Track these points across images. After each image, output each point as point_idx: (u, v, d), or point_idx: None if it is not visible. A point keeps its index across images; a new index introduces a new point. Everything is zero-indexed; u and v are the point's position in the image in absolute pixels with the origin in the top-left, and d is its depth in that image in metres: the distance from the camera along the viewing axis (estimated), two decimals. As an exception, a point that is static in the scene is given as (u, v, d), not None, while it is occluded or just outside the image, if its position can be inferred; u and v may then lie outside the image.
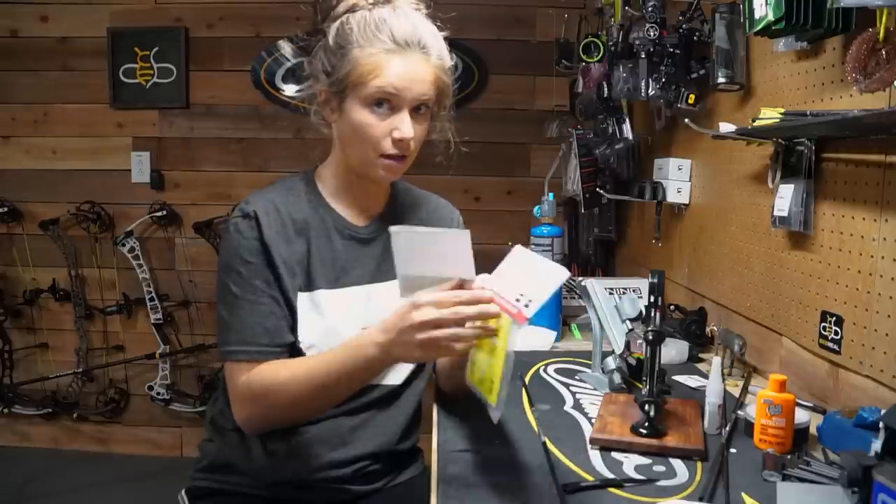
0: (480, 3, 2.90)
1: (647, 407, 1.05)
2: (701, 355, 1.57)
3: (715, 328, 1.58)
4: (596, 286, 1.38)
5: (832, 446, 1.03)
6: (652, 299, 1.15)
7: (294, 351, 1.12)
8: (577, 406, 1.24)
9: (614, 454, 1.03)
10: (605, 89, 1.99)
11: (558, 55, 2.53)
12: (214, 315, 1.14)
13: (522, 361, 1.49)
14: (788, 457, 0.97)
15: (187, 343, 3.04)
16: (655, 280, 1.17)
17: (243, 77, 2.95)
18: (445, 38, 1.12)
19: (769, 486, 0.91)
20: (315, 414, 1.12)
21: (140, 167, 3.00)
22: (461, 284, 0.93)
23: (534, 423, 1.15)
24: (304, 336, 1.11)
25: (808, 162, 1.23)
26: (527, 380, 1.39)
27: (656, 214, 1.94)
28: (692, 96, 1.63)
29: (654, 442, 1.03)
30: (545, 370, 1.46)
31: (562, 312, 1.79)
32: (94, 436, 3.10)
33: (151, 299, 2.94)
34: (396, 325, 0.95)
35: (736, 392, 1.26)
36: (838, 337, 1.16)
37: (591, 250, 2.58)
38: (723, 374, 1.13)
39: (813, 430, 1.08)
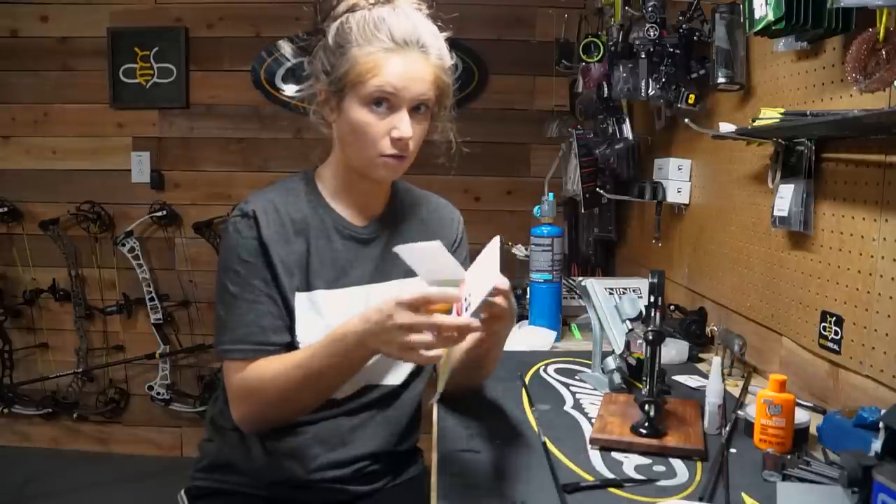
0: (480, 3, 2.90)
1: (647, 407, 1.05)
2: (701, 355, 1.57)
3: (715, 328, 1.57)
4: (596, 286, 1.38)
5: (832, 446, 1.03)
6: (652, 299, 1.15)
7: (292, 350, 1.11)
8: (577, 406, 1.24)
9: (614, 454, 1.03)
10: (605, 89, 1.99)
11: (558, 55, 2.53)
12: (214, 315, 1.14)
13: (522, 361, 1.49)
14: (788, 457, 0.97)
15: (187, 343, 3.04)
16: (655, 280, 1.17)
17: (243, 77, 2.95)
18: (446, 39, 1.12)
19: (769, 486, 0.91)
20: (308, 408, 1.11)
21: (140, 167, 3.00)
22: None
23: (534, 423, 1.15)
24: (303, 336, 1.11)
25: (808, 162, 1.23)
26: (527, 380, 1.39)
27: (656, 214, 1.94)
28: (692, 96, 1.63)
29: (654, 442, 1.03)
30: (545, 370, 1.46)
31: (562, 312, 1.79)
32: (94, 436, 3.10)
33: (151, 299, 2.94)
34: (373, 319, 0.96)
35: (736, 392, 1.26)
36: (838, 337, 1.16)
37: (591, 250, 2.58)
38: (723, 374, 1.13)
39: (813, 430, 1.08)
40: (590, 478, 0.95)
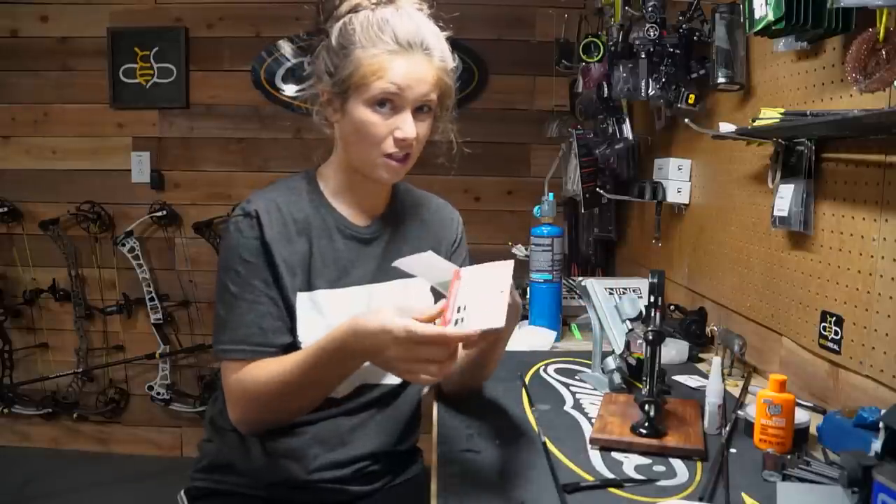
0: (481, 3, 2.90)
1: (647, 407, 1.05)
2: (701, 355, 1.57)
3: (715, 328, 1.58)
4: (596, 286, 1.38)
5: (832, 446, 1.03)
6: (652, 299, 1.15)
7: (292, 351, 1.11)
8: (577, 406, 1.24)
9: (614, 454, 1.03)
10: (605, 89, 1.99)
11: (558, 55, 2.53)
12: (213, 314, 1.14)
13: (523, 361, 1.49)
14: (788, 457, 0.97)
15: (187, 343, 3.04)
16: (655, 280, 1.17)
17: (243, 77, 2.95)
18: (447, 39, 1.12)
19: (769, 486, 0.91)
20: (305, 409, 1.11)
21: (140, 167, 3.00)
22: None
23: (534, 423, 1.15)
24: (305, 336, 1.11)
25: (808, 162, 1.23)
26: (527, 380, 1.39)
27: (656, 214, 1.94)
28: (692, 96, 1.63)
29: (654, 442, 1.03)
30: (545, 370, 1.46)
31: (562, 312, 1.79)
32: (94, 436, 3.10)
33: (151, 299, 2.94)
34: (370, 339, 0.95)
35: (736, 392, 1.26)
36: (838, 337, 1.16)
37: (591, 250, 2.58)
38: (723, 374, 1.13)
39: (813, 430, 1.08)
40: (590, 478, 0.95)
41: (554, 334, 1.70)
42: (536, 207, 1.74)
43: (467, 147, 1.19)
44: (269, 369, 1.06)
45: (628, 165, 2.16)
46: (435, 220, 1.28)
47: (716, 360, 1.12)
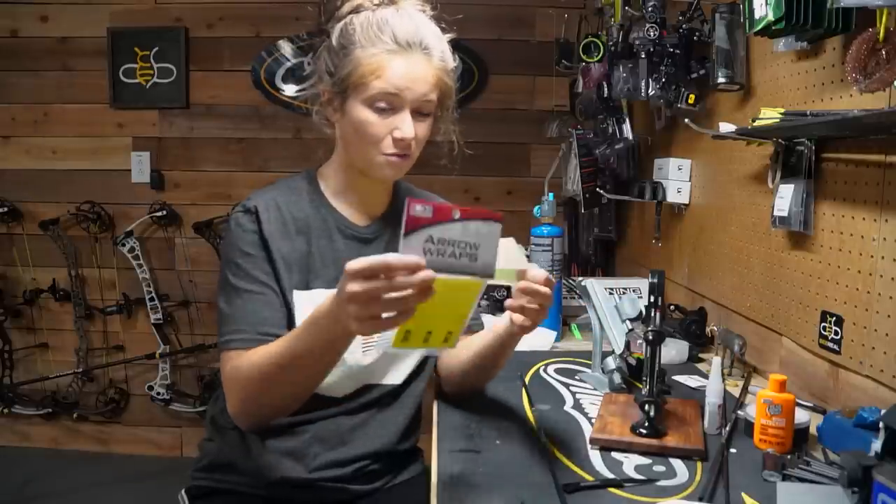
0: (481, 3, 2.90)
1: (647, 407, 1.05)
2: (701, 355, 1.57)
3: (715, 328, 1.58)
4: (596, 286, 1.38)
5: (832, 446, 1.03)
6: (652, 299, 1.15)
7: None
8: (577, 406, 1.24)
9: (614, 454, 1.03)
10: (605, 89, 1.99)
11: (558, 55, 2.53)
12: (214, 315, 1.14)
13: (522, 361, 1.49)
14: (788, 457, 0.97)
15: (187, 343, 3.04)
16: (655, 280, 1.17)
17: (243, 77, 2.95)
18: (449, 40, 1.12)
19: (769, 486, 0.91)
20: (298, 396, 1.07)
21: (140, 167, 3.00)
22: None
23: (534, 423, 1.15)
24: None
25: (808, 162, 1.23)
26: (527, 380, 1.39)
27: (656, 214, 1.94)
28: (692, 96, 1.63)
29: (654, 442, 1.03)
30: (545, 370, 1.46)
31: (562, 312, 1.79)
32: (94, 436, 3.10)
33: (151, 299, 2.94)
34: (334, 295, 0.86)
35: (736, 392, 1.26)
36: (838, 337, 1.16)
37: (591, 250, 2.58)
38: (723, 374, 1.13)
39: (813, 430, 1.08)
40: (590, 478, 0.95)
41: (554, 334, 1.70)
42: (536, 207, 1.74)
43: (467, 147, 1.19)
44: (261, 351, 1.04)
45: (628, 165, 2.16)
46: (435, 219, 1.28)
47: (716, 360, 1.12)
